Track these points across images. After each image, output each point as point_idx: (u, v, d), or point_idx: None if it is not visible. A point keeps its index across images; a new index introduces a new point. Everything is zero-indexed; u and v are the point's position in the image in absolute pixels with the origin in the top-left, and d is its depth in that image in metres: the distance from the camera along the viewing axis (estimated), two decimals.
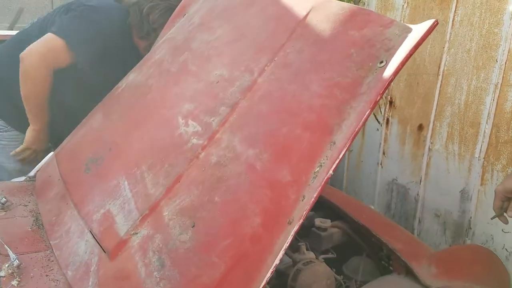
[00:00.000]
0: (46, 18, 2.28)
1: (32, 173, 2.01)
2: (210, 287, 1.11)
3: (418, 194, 2.77)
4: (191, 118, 1.44)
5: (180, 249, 1.15)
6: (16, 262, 1.30)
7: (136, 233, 1.25)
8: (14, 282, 1.26)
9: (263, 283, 1.11)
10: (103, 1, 2.30)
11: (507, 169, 2.19)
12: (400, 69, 1.18)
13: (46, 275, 1.32)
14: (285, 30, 1.49)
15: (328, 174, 1.16)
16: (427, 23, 1.22)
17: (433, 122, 2.59)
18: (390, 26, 1.30)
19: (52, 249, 1.43)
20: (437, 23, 1.21)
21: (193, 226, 1.18)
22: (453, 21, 2.41)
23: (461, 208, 2.51)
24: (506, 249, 2.22)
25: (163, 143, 1.45)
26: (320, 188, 1.15)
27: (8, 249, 1.34)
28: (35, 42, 2.06)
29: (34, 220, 1.60)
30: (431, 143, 2.63)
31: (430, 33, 1.20)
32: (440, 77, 2.51)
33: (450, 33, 2.43)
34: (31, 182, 1.95)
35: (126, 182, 1.40)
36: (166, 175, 1.33)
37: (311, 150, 1.21)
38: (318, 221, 2.03)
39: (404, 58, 1.17)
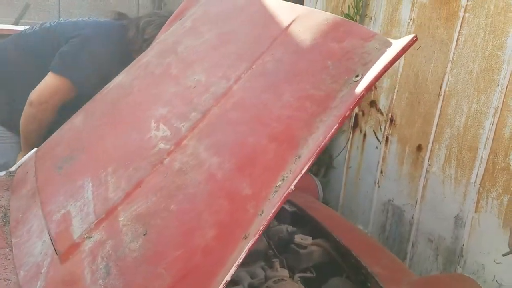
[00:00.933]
0: (41, 33, 2.28)
1: (13, 168, 1.99)
2: None
3: (413, 217, 2.68)
4: (162, 122, 1.40)
5: (128, 257, 1.10)
6: None
7: (90, 237, 1.20)
8: None
9: None
10: (99, 24, 2.32)
11: (502, 197, 2.10)
12: (373, 84, 1.12)
13: None
14: (267, 38, 1.45)
15: (289, 189, 1.10)
16: (406, 39, 1.16)
17: (432, 143, 2.51)
18: (371, 39, 1.25)
19: (12, 248, 1.39)
20: (416, 39, 1.15)
21: (145, 234, 1.13)
22: (457, 41, 2.33)
23: (454, 235, 2.42)
24: (496, 280, 2.11)
25: (132, 146, 1.41)
26: (279, 203, 1.10)
27: None
28: (41, 84, 2.09)
29: (2, 216, 1.57)
30: (429, 165, 2.54)
31: (407, 49, 1.14)
32: (441, 98, 2.43)
33: (454, 53, 2.35)
34: (10, 177, 1.93)
35: (90, 184, 1.37)
36: (128, 180, 1.29)
37: (275, 163, 1.15)
38: (298, 238, 1.96)
39: (378, 74, 1.11)
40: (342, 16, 3.07)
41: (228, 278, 1.08)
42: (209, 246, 1.10)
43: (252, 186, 1.14)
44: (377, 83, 2.92)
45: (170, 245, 1.11)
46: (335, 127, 1.11)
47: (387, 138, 2.85)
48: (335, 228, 2.04)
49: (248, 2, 1.66)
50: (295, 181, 1.10)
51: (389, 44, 1.20)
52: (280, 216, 2.29)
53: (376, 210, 2.99)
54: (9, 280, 1.26)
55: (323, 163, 3.43)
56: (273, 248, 2.02)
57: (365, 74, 1.16)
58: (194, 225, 1.12)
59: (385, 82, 2.85)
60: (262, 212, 1.11)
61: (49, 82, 2.11)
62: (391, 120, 2.81)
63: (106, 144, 1.51)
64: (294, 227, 2.12)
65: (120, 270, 1.09)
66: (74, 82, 2.14)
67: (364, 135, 3.08)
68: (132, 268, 1.09)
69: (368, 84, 1.12)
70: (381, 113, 2.90)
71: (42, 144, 1.93)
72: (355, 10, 2.93)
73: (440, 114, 2.44)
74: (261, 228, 1.10)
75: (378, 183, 2.96)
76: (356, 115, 3.12)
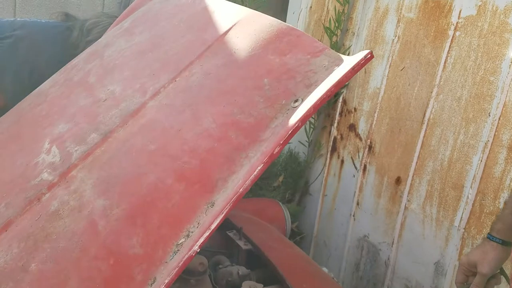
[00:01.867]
0: None
1: None
2: None
3: (389, 258, 2.37)
4: (57, 143, 1.10)
5: None
6: None
7: None
8: None
9: None
10: (38, 24, 2.03)
11: None
12: (312, 113, 0.82)
13: None
14: (199, 46, 1.15)
15: (192, 251, 0.80)
16: (359, 56, 0.86)
17: (412, 177, 2.21)
18: (319, 54, 0.95)
19: None
20: (372, 57, 0.86)
21: None
22: (445, 62, 2.05)
23: (434, 283, 2.11)
24: None
25: (15, 172, 1.10)
26: (177, 270, 0.79)
27: None
28: None
29: None
30: (408, 201, 2.24)
31: (359, 69, 0.84)
32: (424, 126, 2.14)
33: (441, 76, 2.07)
34: None
35: None
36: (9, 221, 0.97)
37: (181, 211, 0.85)
38: (246, 286, 1.65)
39: (319, 99, 0.81)
40: (323, 29, 2.79)
41: None
42: None
43: (144, 243, 0.84)
44: (357, 104, 2.63)
45: None
46: (259, 167, 0.81)
47: (365, 166, 2.55)
48: (294, 273, 1.73)
49: (190, 1, 1.37)
50: (203, 239, 0.80)
51: (339, 62, 0.90)
52: (232, 254, 1.98)
53: (351, 246, 2.68)
54: None
55: (299, 189, 3.13)
56: None
57: (305, 99, 0.87)
58: None
59: (365, 105, 2.56)
60: (154, 280, 0.80)
61: None
62: (370, 147, 2.51)
63: None
64: (247, 269, 1.81)
65: None
66: (2, 90, 1.83)
67: (342, 161, 2.78)
68: None
69: (305, 113, 0.82)
70: (360, 139, 2.61)
71: None
72: (336, 24, 2.65)
73: (422, 145, 2.15)
74: None
75: (353, 216, 2.65)
76: (335, 138, 2.83)
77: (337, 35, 2.72)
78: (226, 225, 2.13)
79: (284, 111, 0.89)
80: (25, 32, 1.93)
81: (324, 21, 2.91)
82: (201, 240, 0.79)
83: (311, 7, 3.11)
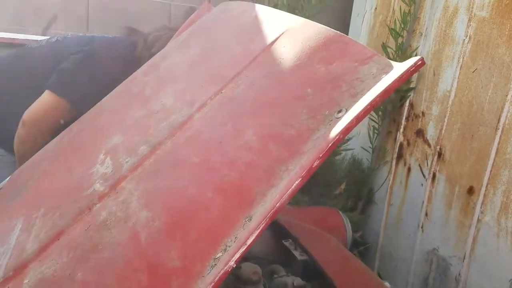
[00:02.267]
0: (45, 48, 2.11)
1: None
2: None
3: (460, 274, 2.21)
4: (111, 154, 1.14)
5: None
6: None
7: None
8: None
9: None
10: (104, 40, 2.12)
11: None
12: (355, 125, 0.78)
13: None
14: (247, 56, 1.14)
15: (228, 266, 0.78)
16: (409, 62, 0.80)
17: (486, 186, 2.05)
18: (368, 62, 0.90)
19: None
20: (423, 63, 0.79)
21: None
22: None
23: None
24: None
25: (72, 182, 1.15)
26: (213, 284, 0.78)
27: None
28: (36, 103, 1.90)
29: None
30: (481, 212, 2.07)
31: (408, 76, 0.78)
32: (499, 132, 1.98)
33: None
34: None
35: (20, 226, 1.13)
36: (50, 227, 1.03)
37: (219, 225, 0.84)
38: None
39: (362, 111, 0.76)
40: (388, 31, 2.68)
41: None
42: None
43: (183, 256, 0.83)
44: (425, 108, 2.49)
45: None
46: (297, 182, 0.78)
47: (434, 175, 2.41)
48: (351, 287, 1.67)
49: (242, 11, 1.37)
50: (240, 253, 0.78)
51: (388, 69, 0.84)
52: (288, 264, 1.95)
53: (419, 259, 2.54)
54: None
55: (362, 197, 3.02)
56: None
57: (349, 109, 0.82)
58: None
59: (434, 109, 2.41)
60: None
61: (44, 101, 1.92)
62: (440, 154, 2.36)
63: (54, 176, 1.27)
64: (303, 281, 1.77)
65: None
66: (72, 103, 1.92)
67: (409, 169, 2.65)
68: None
69: (347, 125, 0.77)
70: (429, 145, 2.46)
71: (21, 167, 1.74)
72: (402, 25, 2.53)
73: (497, 152, 1.98)
74: None
75: (422, 227, 2.51)
76: (401, 144, 2.70)
77: (403, 36, 2.59)
78: (282, 234, 2.11)
79: (327, 122, 0.85)
80: (93, 48, 2.03)
81: (390, 22, 2.79)
82: (237, 255, 0.78)
83: (376, 8, 3.00)
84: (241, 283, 1.69)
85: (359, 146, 2.92)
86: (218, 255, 0.81)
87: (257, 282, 1.72)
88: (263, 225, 0.78)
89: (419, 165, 2.54)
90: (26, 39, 2.72)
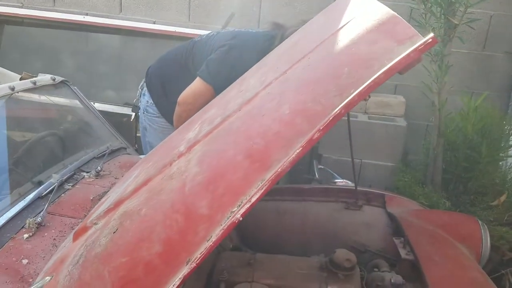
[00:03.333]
0: (204, 40, 2.48)
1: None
2: None
3: None
4: (201, 124, 1.35)
5: (93, 251, 1.11)
6: (38, 220, 1.51)
7: (96, 224, 1.26)
8: (26, 235, 1.47)
9: None
10: (248, 34, 2.36)
11: None
12: (356, 102, 0.80)
13: (54, 239, 1.48)
14: (316, 42, 1.21)
15: (235, 218, 0.91)
16: (420, 41, 0.78)
17: None
18: (405, 42, 0.89)
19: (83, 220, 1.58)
20: (434, 41, 0.76)
21: (114, 232, 1.11)
22: None
23: None
24: None
25: (174, 144, 1.40)
26: (223, 232, 0.92)
27: (45, 208, 1.57)
28: (189, 87, 2.29)
29: (103, 192, 1.80)
30: None
31: (416, 56, 0.76)
32: None
33: None
34: None
35: (135, 174, 1.43)
36: (145, 175, 1.29)
37: (240, 184, 0.97)
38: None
39: (365, 88, 0.79)
40: None
41: None
42: (152, 263, 1.00)
43: (210, 206, 0.99)
44: None
45: (121, 250, 1.06)
46: (298, 151, 0.85)
47: None
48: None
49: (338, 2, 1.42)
50: (243, 209, 0.90)
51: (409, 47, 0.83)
52: (395, 262, 1.89)
53: None
54: (56, 246, 1.44)
55: None
56: None
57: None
58: (146, 236, 1.04)
59: None
60: (210, 238, 0.95)
61: (195, 87, 2.28)
62: None
63: (171, 139, 1.55)
64: (402, 280, 1.71)
65: (83, 261, 1.11)
66: (216, 89, 2.23)
67: None
68: (89, 262, 1.10)
69: (349, 100, 0.80)
70: None
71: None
72: None
73: None
74: (202, 256, 0.94)
75: None
76: None
77: None
78: (396, 231, 2.03)
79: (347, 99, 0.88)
80: (237, 42, 2.30)
81: None
82: (242, 210, 0.89)
83: None
84: (334, 267, 1.73)
85: None
86: (234, 209, 0.94)
87: (350, 270, 1.74)
88: (265, 187, 0.87)
89: None
90: (195, 33, 3.16)
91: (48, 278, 1.20)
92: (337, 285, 1.70)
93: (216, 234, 0.93)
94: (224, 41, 2.32)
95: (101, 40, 3.57)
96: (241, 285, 1.65)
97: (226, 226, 0.92)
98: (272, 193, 2.26)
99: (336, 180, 2.54)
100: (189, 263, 0.95)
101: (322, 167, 2.68)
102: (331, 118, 0.81)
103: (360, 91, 0.79)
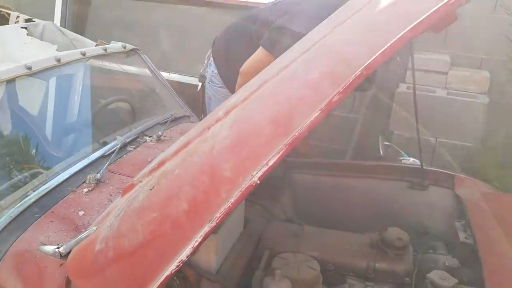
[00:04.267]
0: (269, 9, 2.43)
1: None
2: (124, 251, 1.10)
3: None
4: (246, 88, 1.35)
5: (132, 206, 1.16)
6: (98, 176, 1.63)
7: (141, 182, 1.32)
8: (85, 190, 1.59)
9: (164, 275, 1.02)
10: (314, 2, 2.27)
11: None
12: (377, 63, 0.75)
13: (110, 195, 1.58)
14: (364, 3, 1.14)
15: (253, 181, 0.91)
16: None
17: None
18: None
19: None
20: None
21: (151, 189, 1.16)
22: None
23: None
24: None
25: (218, 108, 1.42)
26: (241, 193, 0.92)
27: (105, 166, 1.68)
28: (252, 57, 2.27)
29: None
30: None
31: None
32: None
33: None
34: None
35: (189, 135, 1.45)
36: (187, 138, 1.32)
37: (263, 148, 0.95)
38: (435, 275, 1.48)
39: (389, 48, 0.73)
40: None
41: (183, 257, 1.01)
42: (179, 219, 1.04)
43: (233, 169, 0.99)
44: None
45: (154, 206, 1.11)
46: (316, 114, 0.82)
47: None
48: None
49: None
50: (260, 173, 0.89)
51: None
52: (452, 245, 1.76)
53: None
54: (110, 201, 1.55)
55: None
56: (413, 276, 1.60)
57: None
58: (175, 194, 1.08)
59: None
60: (230, 199, 0.96)
61: (257, 56, 2.25)
62: None
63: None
64: (458, 264, 1.60)
65: (123, 215, 1.18)
66: (275, 56, 2.20)
67: None
68: (127, 216, 1.15)
69: (371, 61, 0.75)
70: None
71: None
72: None
73: None
74: (220, 216, 0.96)
75: None
76: None
77: None
78: (461, 214, 1.89)
79: None
80: (298, 10, 2.23)
81: None
82: (260, 174, 0.88)
83: None
84: (384, 245, 1.67)
85: None
86: (254, 173, 0.93)
87: (401, 249, 1.66)
88: (282, 151, 0.85)
89: None
90: (261, 2, 3.11)
91: (94, 228, 1.29)
92: (386, 263, 1.64)
93: (235, 196, 0.94)
94: (286, 10, 2.27)
95: (177, 10, 3.67)
96: (285, 254, 1.65)
97: (244, 189, 0.92)
98: (331, 169, 2.24)
99: (402, 158, 2.41)
100: (210, 221, 0.97)
101: (388, 143, 2.55)
102: (352, 79, 0.76)
103: (384, 51, 0.73)
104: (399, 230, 1.69)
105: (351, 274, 1.65)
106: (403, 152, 2.47)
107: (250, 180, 0.91)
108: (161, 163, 1.32)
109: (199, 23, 3.59)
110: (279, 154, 0.86)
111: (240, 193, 0.92)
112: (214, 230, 1.46)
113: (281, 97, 1.03)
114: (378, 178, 2.20)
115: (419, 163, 2.15)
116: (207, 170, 1.05)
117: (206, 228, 0.98)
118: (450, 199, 2.04)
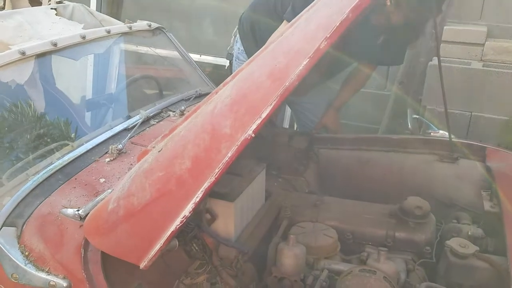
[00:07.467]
0: None
1: None
2: (133, 209, 1.14)
3: None
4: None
5: (142, 168, 1.20)
6: (119, 147, 1.68)
7: (154, 147, 1.36)
8: (107, 159, 1.64)
9: (170, 230, 1.05)
10: None
11: None
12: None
13: (130, 164, 1.63)
14: None
15: (248, 134, 0.91)
16: None
17: None
18: None
19: None
20: None
21: (159, 151, 1.19)
22: None
23: None
24: None
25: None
26: (238, 147, 0.93)
27: (127, 138, 1.73)
28: (275, 32, 2.21)
29: None
30: None
31: None
32: None
33: None
34: None
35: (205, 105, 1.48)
36: (199, 103, 1.34)
37: (259, 103, 0.97)
38: (455, 242, 1.44)
39: None
40: None
41: (186, 213, 1.04)
42: (183, 177, 1.07)
43: (233, 125, 1.01)
44: None
45: (160, 165, 1.14)
46: (305, 62, 0.81)
47: None
48: None
49: None
50: (255, 125, 0.90)
51: None
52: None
53: None
54: (129, 169, 1.60)
55: None
56: (433, 245, 1.57)
57: None
58: (179, 153, 1.10)
59: None
60: (227, 155, 0.97)
61: (281, 29, 2.24)
62: None
63: None
64: (482, 234, 1.56)
65: (134, 175, 1.22)
66: None
67: None
68: (137, 176, 1.19)
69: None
70: None
71: None
72: None
73: None
74: (219, 171, 0.98)
75: None
76: None
77: None
78: (487, 186, 1.82)
79: None
80: None
81: None
82: (254, 127, 0.89)
83: None
84: (404, 215, 1.64)
85: None
86: (252, 127, 0.94)
87: (422, 218, 1.63)
88: (274, 102, 0.85)
89: None
90: None
91: (109, 190, 1.34)
92: (405, 232, 1.61)
93: (232, 151, 0.95)
94: None
95: None
96: (303, 223, 1.66)
97: (239, 143, 0.93)
98: (356, 143, 2.21)
99: (431, 131, 2.33)
100: (210, 177, 0.99)
101: (417, 116, 2.48)
102: (338, 23, 0.75)
103: None
104: (419, 199, 1.66)
105: (369, 243, 1.63)
106: (432, 125, 2.39)
107: (245, 133, 0.93)
108: (172, 129, 1.35)
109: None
110: (271, 106, 0.86)
111: (236, 147, 0.93)
112: (230, 198, 1.50)
113: (278, 53, 1.03)
114: (405, 152, 2.15)
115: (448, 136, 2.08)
116: (208, 128, 1.07)
117: (206, 184, 1.00)
118: (479, 170, 1.97)
